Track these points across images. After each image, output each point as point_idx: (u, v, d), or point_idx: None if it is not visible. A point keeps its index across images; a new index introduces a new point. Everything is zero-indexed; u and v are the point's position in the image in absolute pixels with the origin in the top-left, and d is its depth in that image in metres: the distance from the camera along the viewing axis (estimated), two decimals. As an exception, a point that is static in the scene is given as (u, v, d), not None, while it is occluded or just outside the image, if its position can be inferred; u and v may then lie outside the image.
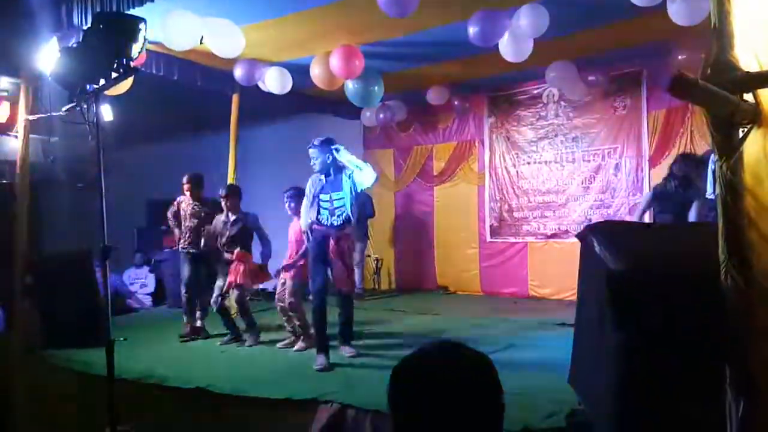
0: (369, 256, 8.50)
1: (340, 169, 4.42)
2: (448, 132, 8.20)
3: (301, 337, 4.80)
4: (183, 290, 5.47)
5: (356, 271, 7.65)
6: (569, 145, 7.21)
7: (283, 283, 4.92)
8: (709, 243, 2.06)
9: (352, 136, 8.46)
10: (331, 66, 5.54)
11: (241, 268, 5.05)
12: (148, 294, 8.08)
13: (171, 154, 8.55)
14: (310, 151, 4.43)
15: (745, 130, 2.04)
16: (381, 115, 7.62)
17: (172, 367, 4.25)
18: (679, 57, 5.38)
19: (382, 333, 5.34)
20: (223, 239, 5.14)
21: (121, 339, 4.85)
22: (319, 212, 4.39)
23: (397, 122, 8.08)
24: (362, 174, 4.29)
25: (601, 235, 2.71)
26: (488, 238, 7.83)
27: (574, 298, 3.28)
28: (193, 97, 6.72)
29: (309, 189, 4.50)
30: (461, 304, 7.08)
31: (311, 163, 4.45)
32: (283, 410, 3.34)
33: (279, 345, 4.95)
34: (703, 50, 2.26)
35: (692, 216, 4.77)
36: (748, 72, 2.00)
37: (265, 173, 7.95)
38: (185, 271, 5.44)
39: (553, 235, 7.27)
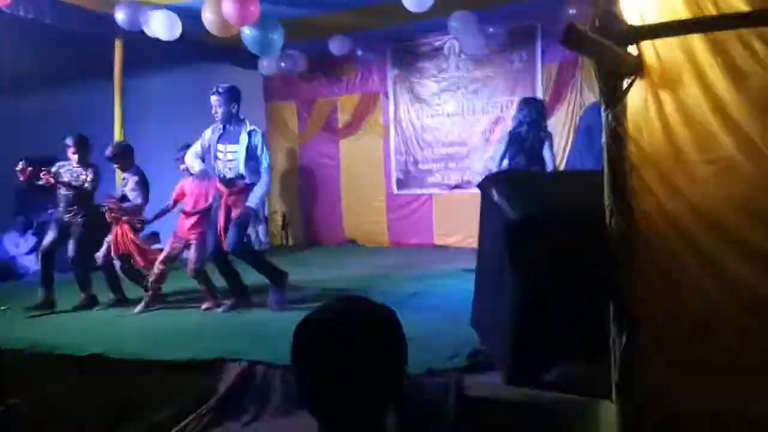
0: (275, 212, 8.36)
1: (240, 122, 4.34)
2: (352, 84, 8.09)
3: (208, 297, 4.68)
4: (40, 257, 4.88)
5: (261, 227, 7.56)
6: (470, 97, 7.37)
7: (181, 244, 4.72)
8: (598, 188, 2.19)
9: (251, 87, 8.10)
10: (223, 11, 5.19)
11: (129, 236, 4.71)
12: (30, 258, 7.48)
13: (50, 106, 7.79)
14: (213, 98, 4.29)
15: (629, 81, 2.15)
16: (282, 64, 7.35)
17: (63, 335, 3.98)
18: (571, 11, 5.57)
19: (290, 288, 5.29)
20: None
21: (2, 308, 4.51)
22: (215, 162, 4.35)
23: (300, 73, 7.85)
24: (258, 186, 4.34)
25: (499, 185, 2.81)
26: (394, 191, 7.93)
27: (476, 245, 3.41)
28: (73, 43, 6.11)
29: (206, 136, 4.41)
30: (369, 256, 7.18)
31: (213, 111, 4.31)
32: (187, 372, 3.24)
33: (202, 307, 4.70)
34: (593, 3, 2.34)
35: (548, 155, 5.11)
36: (632, 25, 2.09)
37: (155, 127, 7.45)
38: (49, 236, 4.88)
39: (457, 186, 7.48)
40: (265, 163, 4.38)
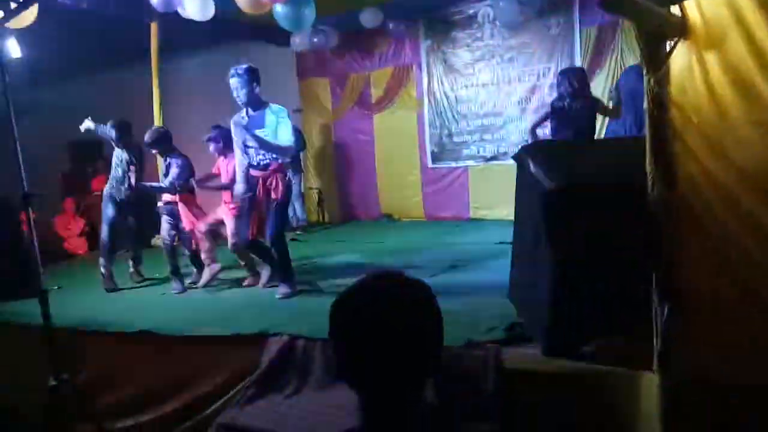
0: (311, 188, 8.41)
1: (263, 104, 4.18)
2: (384, 57, 8.00)
3: (251, 274, 4.78)
4: (106, 233, 5.09)
5: (299, 203, 7.61)
6: (505, 66, 7.19)
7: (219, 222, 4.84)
8: (637, 156, 2.13)
9: (284, 64, 8.14)
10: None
11: (189, 210, 4.86)
12: (80, 239, 7.78)
13: (91, 90, 7.98)
14: (233, 81, 4.10)
15: (672, 43, 2.06)
16: (315, 39, 7.32)
17: (112, 313, 4.15)
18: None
19: (326, 265, 5.36)
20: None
21: (55, 288, 4.70)
22: (246, 152, 4.22)
23: (331, 49, 7.80)
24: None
25: (535, 156, 2.75)
26: (429, 164, 7.87)
27: (513, 217, 3.36)
28: (109, 28, 6.21)
29: (236, 134, 4.24)
30: (405, 230, 7.18)
31: (234, 95, 4.13)
32: (230, 346, 3.34)
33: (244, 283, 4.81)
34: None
35: (598, 124, 4.80)
36: (675, -17, 2.00)
37: (194, 109, 7.57)
38: (108, 213, 5.09)
39: (493, 158, 7.37)
40: (291, 139, 4.23)
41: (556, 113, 4.89)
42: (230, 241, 4.69)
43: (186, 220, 4.83)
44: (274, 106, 4.21)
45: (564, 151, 3.32)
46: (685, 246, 2.05)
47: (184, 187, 4.82)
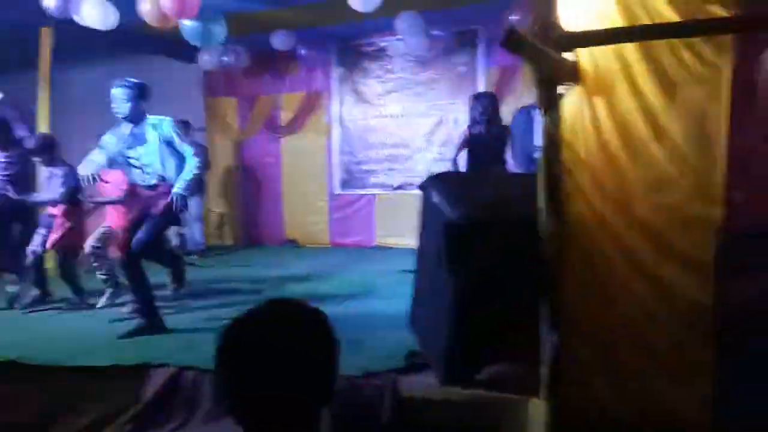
0: (212, 210, 8.12)
1: (143, 117, 3.87)
2: (295, 82, 7.96)
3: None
4: None
5: (198, 226, 7.31)
6: (413, 99, 7.41)
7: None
8: (533, 192, 2.22)
9: (190, 81, 7.88)
10: (160, 2, 5.00)
11: (67, 226, 4.52)
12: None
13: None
14: (115, 91, 3.79)
15: (565, 87, 2.20)
16: (224, 58, 7.15)
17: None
18: (513, 17, 5.69)
19: (224, 291, 5.14)
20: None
21: None
22: (130, 172, 3.93)
23: (242, 69, 7.67)
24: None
25: (439, 186, 2.82)
26: (337, 191, 7.87)
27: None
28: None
29: (111, 143, 3.92)
30: (308, 257, 7.08)
31: (114, 107, 3.81)
32: (110, 378, 3.07)
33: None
34: (533, 10, 2.37)
35: (509, 153, 4.71)
36: (569, 32, 2.13)
37: (86, 122, 7.08)
38: None
39: (399, 187, 7.50)
40: (190, 150, 3.86)
41: (472, 140, 4.85)
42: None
43: (62, 233, 4.50)
44: (152, 118, 3.88)
45: (466, 183, 3.43)
46: (572, 279, 2.15)
47: (68, 198, 4.51)
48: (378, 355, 3.04)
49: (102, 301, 4.57)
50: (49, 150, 4.59)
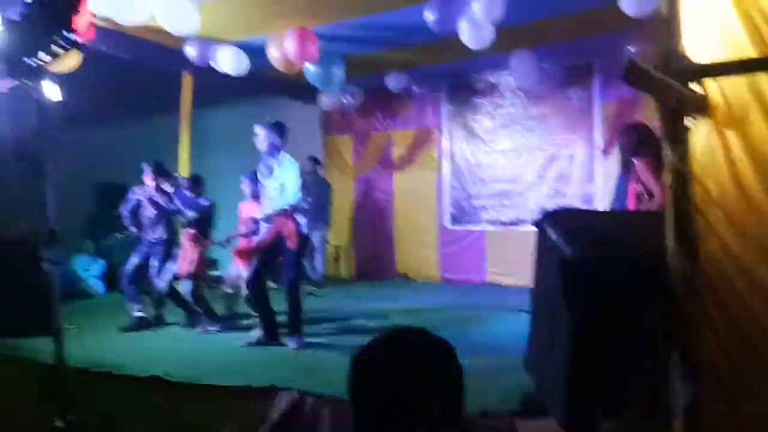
0: (328, 242, 8.46)
1: (278, 154, 4.43)
2: (407, 118, 8.20)
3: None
4: (127, 276, 5.25)
5: (318, 257, 7.63)
6: (526, 134, 7.33)
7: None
8: (659, 230, 2.13)
9: (309, 120, 8.37)
10: (285, 49, 5.43)
11: (196, 254, 4.96)
12: (99, 280, 7.84)
13: (121, 136, 8.24)
14: (259, 128, 4.43)
15: (693, 120, 2.10)
16: (341, 98, 7.55)
17: (125, 355, 4.15)
18: (631, 48, 5.51)
19: (341, 320, 5.33)
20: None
21: (71, 327, 4.71)
22: (266, 201, 4.50)
23: (356, 107, 8.03)
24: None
25: (555, 222, 2.76)
26: (448, 225, 7.90)
27: (531, 284, 3.34)
28: (144, 77, 6.48)
29: (254, 176, 4.69)
30: (420, 291, 7.14)
31: (256, 141, 4.43)
32: (242, 398, 3.28)
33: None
34: (654, 41, 2.31)
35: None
36: (696, 62, 2.06)
37: (219, 158, 7.76)
38: (136, 257, 5.26)
39: (511, 223, 7.39)
40: (293, 189, 4.38)
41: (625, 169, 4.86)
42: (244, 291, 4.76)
43: (189, 264, 4.91)
44: (284, 158, 4.41)
45: (584, 219, 3.33)
46: (706, 322, 2.02)
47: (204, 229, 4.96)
48: (493, 395, 3.00)
49: (253, 338, 4.71)
50: (197, 185, 5.12)
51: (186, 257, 4.97)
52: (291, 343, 4.26)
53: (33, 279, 4.99)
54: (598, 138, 6.79)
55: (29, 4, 3.10)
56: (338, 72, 6.18)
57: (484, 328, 4.88)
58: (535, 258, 3.17)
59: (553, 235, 2.66)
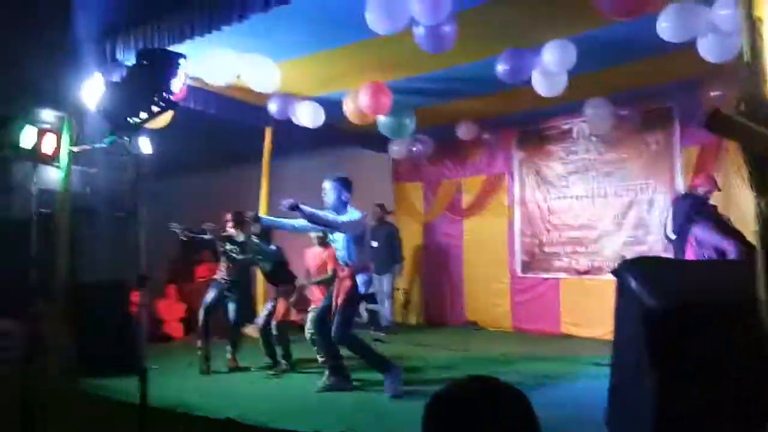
0: (398, 289, 8.46)
1: (346, 205, 4.52)
2: (476, 165, 8.22)
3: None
4: (202, 315, 5.46)
5: (387, 303, 7.63)
6: (601, 180, 7.14)
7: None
8: (744, 279, 2.02)
9: (380, 168, 8.55)
10: (359, 102, 5.65)
11: (283, 304, 5.24)
12: (179, 323, 8.17)
13: (205, 186, 8.73)
14: (325, 183, 4.55)
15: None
16: (413, 149, 7.70)
17: (202, 397, 4.29)
18: (710, 93, 5.33)
19: (411, 368, 5.27)
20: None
21: (153, 367, 4.95)
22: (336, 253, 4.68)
23: (426, 155, 8.13)
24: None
25: (636, 272, 2.67)
26: (519, 273, 7.74)
27: (608, 336, 3.21)
28: (227, 131, 6.91)
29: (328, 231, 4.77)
30: (491, 340, 6.97)
31: (323, 196, 4.54)
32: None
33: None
34: (735, 87, 2.24)
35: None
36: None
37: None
38: (210, 296, 5.49)
39: (586, 272, 7.15)
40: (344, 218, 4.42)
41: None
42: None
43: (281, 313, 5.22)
44: (351, 212, 4.49)
45: (664, 268, 3.20)
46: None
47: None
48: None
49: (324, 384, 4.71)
50: (268, 233, 5.40)
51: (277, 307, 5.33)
52: (388, 391, 4.18)
53: (123, 322, 5.33)
54: (680, 183, 6.53)
55: (131, 66, 3.42)
56: (409, 123, 6.34)
57: (560, 380, 4.69)
58: (615, 308, 3.06)
59: (633, 284, 2.57)
